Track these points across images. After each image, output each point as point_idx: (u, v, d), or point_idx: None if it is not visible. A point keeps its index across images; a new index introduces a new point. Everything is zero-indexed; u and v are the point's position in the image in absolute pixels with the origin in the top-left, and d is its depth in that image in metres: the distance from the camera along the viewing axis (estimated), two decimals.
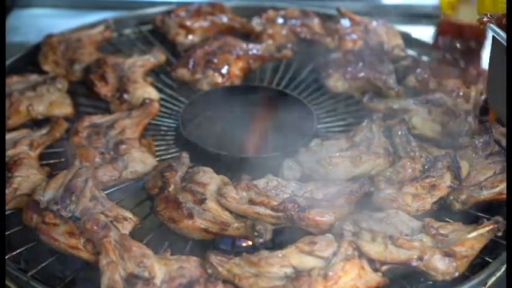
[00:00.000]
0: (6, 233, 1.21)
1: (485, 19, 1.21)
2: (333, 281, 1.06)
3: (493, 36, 1.18)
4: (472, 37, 1.49)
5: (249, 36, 1.83)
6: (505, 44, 1.13)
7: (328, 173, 1.34)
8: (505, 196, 1.25)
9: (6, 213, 1.25)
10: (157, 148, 1.45)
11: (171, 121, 1.56)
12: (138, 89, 1.58)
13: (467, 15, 1.43)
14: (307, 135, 1.48)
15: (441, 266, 1.12)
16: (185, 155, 1.35)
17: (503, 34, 1.15)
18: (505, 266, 1.17)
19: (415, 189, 1.28)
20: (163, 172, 1.28)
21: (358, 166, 1.35)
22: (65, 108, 1.53)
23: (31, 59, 1.71)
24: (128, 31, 1.88)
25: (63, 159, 1.40)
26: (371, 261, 1.13)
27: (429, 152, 1.38)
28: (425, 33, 2.03)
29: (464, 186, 1.30)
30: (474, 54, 1.50)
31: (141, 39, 1.86)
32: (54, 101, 1.53)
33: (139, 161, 1.35)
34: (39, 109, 1.51)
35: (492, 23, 1.19)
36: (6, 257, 1.17)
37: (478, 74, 1.50)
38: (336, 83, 1.65)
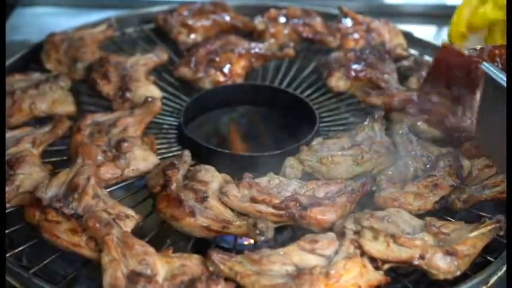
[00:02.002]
0: (8, 231, 1.21)
1: (475, 58, 1.18)
2: (334, 279, 1.06)
3: (486, 75, 1.14)
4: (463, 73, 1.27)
5: (251, 35, 1.84)
6: (501, 82, 1.09)
7: (330, 172, 1.34)
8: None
9: (8, 210, 1.25)
10: (159, 146, 1.46)
11: (173, 119, 1.56)
12: (140, 88, 1.58)
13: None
14: (309, 133, 1.48)
15: (443, 264, 1.12)
16: (187, 153, 1.35)
17: (498, 73, 1.11)
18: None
19: (417, 188, 1.28)
20: (165, 170, 1.28)
21: (359, 165, 1.35)
22: (67, 106, 1.53)
23: (34, 58, 1.71)
24: (130, 30, 1.88)
25: (65, 157, 1.40)
26: (372, 260, 1.13)
27: (430, 151, 1.38)
28: (427, 32, 2.03)
29: (466, 185, 1.30)
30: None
31: (143, 38, 1.86)
32: (56, 99, 1.53)
33: (141, 159, 1.36)
34: (42, 107, 1.51)
35: (485, 60, 1.16)
36: (8, 255, 1.17)
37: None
38: (338, 82, 1.65)
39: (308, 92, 1.66)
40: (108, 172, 1.32)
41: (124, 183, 1.34)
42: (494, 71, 1.11)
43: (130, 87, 1.57)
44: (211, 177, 1.27)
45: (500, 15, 1.33)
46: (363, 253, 1.13)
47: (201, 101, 1.60)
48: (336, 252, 1.11)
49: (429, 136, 1.44)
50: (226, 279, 1.08)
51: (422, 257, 1.12)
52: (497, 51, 1.17)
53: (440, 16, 2.16)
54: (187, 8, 1.87)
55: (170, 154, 1.44)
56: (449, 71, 1.25)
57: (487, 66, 1.12)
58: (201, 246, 1.22)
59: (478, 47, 1.20)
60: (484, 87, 1.16)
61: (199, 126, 1.62)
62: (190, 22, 1.82)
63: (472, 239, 1.16)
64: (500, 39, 1.37)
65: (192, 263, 1.10)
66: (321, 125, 1.54)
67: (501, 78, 1.09)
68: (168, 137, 1.51)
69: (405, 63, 1.72)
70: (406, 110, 1.49)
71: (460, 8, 1.38)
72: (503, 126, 1.08)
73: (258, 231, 1.17)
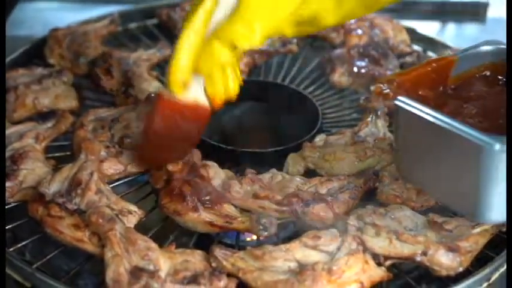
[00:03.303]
0: (11, 225, 1.22)
1: (386, 90, 1.11)
2: (336, 275, 1.07)
3: (402, 109, 1.08)
4: (192, 120, 1.19)
5: None
6: (417, 112, 1.05)
7: (333, 168, 1.34)
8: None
9: (12, 205, 1.25)
10: None
11: None
12: (143, 83, 1.58)
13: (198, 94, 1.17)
14: (312, 130, 1.48)
15: (445, 261, 1.12)
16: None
17: (412, 103, 1.06)
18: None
19: None
20: (168, 166, 1.28)
21: (362, 161, 1.35)
22: (70, 101, 1.54)
23: (37, 52, 1.71)
24: (133, 25, 1.88)
25: (68, 153, 1.40)
26: (375, 256, 1.13)
27: None
28: (430, 28, 2.03)
29: None
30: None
31: (146, 33, 1.86)
32: (59, 94, 1.53)
33: None
34: (45, 102, 1.51)
35: (397, 94, 1.10)
36: (11, 249, 1.17)
37: None
38: (341, 78, 1.65)
39: (311, 88, 1.66)
40: (111, 167, 1.32)
41: (127, 179, 1.35)
42: (409, 103, 1.08)
43: (133, 82, 1.57)
44: (214, 173, 1.27)
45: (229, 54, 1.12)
46: (365, 249, 1.13)
47: None
48: (339, 249, 1.11)
49: None
50: (229, 274, 1.08)
51: (424, 254, 1.12)
52: (405, 77, 1.15)
53: (444, 12, 2.16)
54: (190, 3, 1.86)
55: None
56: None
57: (401, 101, 1.08)
58: (204, 242, 1.22)
59: (386, 80, 1.13)
60: (398, 120, 1.13)
61: None
62: None
63: (475, 236, 1.16)
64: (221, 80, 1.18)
65: (195, 259, 1.10)
66: (324, 121, 1.54)
67: (416, 108, 1.06)
68: None
69: (408, 59, 1.72)
70: None
71: (177, 52, 1.12)
72: (419, 152, 1.10)
73: (261, 227, 1.18)
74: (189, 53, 1.11)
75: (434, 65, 1.16)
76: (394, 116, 1.15)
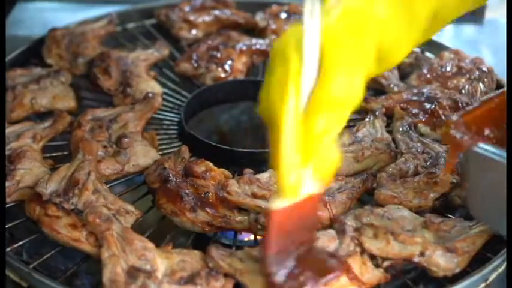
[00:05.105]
0: (8, 225, 1.22)
1: (459, 136, 1.01)
2: None
3: (480, 155, 1.02)
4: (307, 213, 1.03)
5: (253, 31, 1.83)
6: (491, 156, 1.00)
7: None
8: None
9: (9, 205, 1.25)
10: (160, 142, 1.46)
11: (173, 115, 1.56)
12: (141, 83, 1.58)
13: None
14: None
15: (443, 261, 1.12)
16: (184, 149, 1.33)
17: (492, 149, 1.01)
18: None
19: (418, 185, 1.28)
20: (164, 166, 1.28)
21: (360, 161, 1.35)
22: (68, 101, 1.53)
23: (35, 52, 1.71)
24: (131, 25, 1.88)
25: (66, 152, 1.40)
26: (372, 257, 1.13)
27: (431, 148, 1.37)
28: None
29: None
30: None
31: (144, 33, 1.86)
32: (57, 94, 1.53)
33: (142, 154, 1.36)
34: (43, 102, 1.51)
35: (472, 141, 1.03)
36: (8, 249, 1.17)
37: None
38: None
39: None
40: (109, 167, 1.32)
41: (124, 179, 1.35)
42: (488, 149, 1.03)
43: (131, 82, 1.57)
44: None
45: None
46: (363, 250, 1.13)
47: (202, 97, 1.60)
48: (336, 250, 1.11)
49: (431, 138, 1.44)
50: (226, 275, 1.08)
51: (422, 254, 1.12)
52: (470, 117, 1.08)
53: None
54: (188, 3, 1.86)
55: (171, 150, 1.44)
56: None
57: (481, 147, 1.03)
58: (201, 242, 1.22)
59: (454, 123, 1.03)
60: (471, 166, 1.08)
61: (200, 122, 1.62)
62: (191, 18, 1.82)
63: (472, 236, 1.16)
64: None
65: (192, 259, 1.10)
66: None
67: (496, 154, 1.02)
68: (168, 133, 1.51)
69: (406, 59, 1.72)
70: (408, 110, 1.49)
71: (280, 153, 0.99)
72: (491, 192, 1.06)
73: (259, 226, 1.17)
74: (293, 148, 0.95)
75: (496, 100, 1.11)
76: (465, 160, 1.07)
